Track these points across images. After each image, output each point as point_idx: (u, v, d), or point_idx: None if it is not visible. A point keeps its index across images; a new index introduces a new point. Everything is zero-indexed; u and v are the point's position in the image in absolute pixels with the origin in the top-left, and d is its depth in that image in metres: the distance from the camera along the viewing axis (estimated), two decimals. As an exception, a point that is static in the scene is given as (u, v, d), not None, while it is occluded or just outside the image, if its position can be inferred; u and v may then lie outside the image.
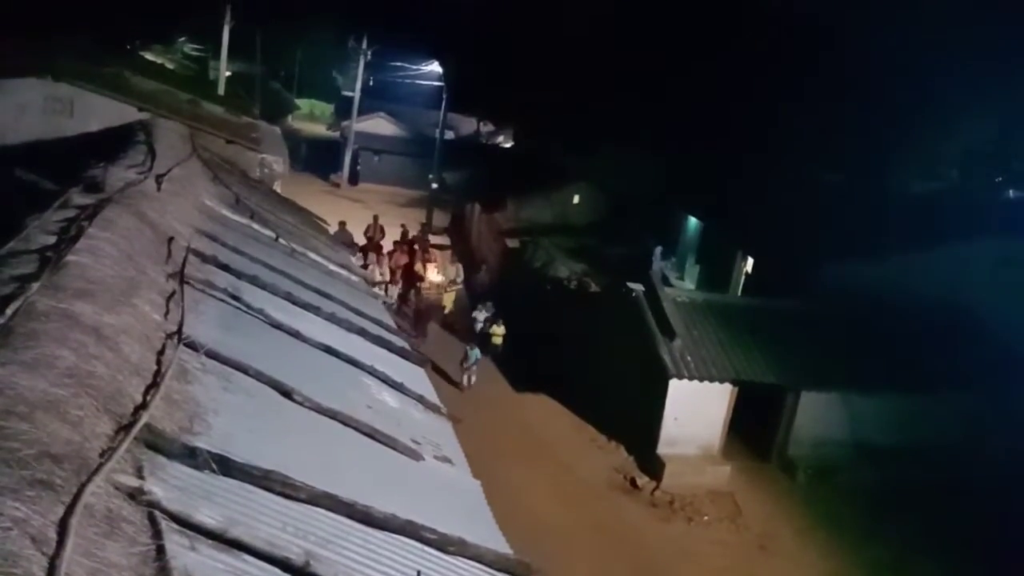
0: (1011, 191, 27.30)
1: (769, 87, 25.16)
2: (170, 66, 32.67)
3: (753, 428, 14.90)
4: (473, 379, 16.31)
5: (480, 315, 18.90)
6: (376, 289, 13.40)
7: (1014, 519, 12.91)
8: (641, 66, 29.06)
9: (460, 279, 21.65)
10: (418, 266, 21.41)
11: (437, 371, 12.01)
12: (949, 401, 14.71)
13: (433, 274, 21.98)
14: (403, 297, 20.10)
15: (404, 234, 23.03)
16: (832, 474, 14.26)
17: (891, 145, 23.78)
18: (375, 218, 23.51)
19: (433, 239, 26.74)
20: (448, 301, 21.07)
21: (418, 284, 20.66)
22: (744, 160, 25.46)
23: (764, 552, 12.38)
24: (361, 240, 21.59)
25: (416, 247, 22.47)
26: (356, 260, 15.06)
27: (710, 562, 11.93)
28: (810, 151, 24.55)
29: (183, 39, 42.04)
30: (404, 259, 21.08)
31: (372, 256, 20.02)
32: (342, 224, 20.00)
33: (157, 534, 2.82)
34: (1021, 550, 12.29)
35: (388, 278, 19.81)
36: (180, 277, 5.79)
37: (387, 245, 22.20)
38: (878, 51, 22.74)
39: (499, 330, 18.12)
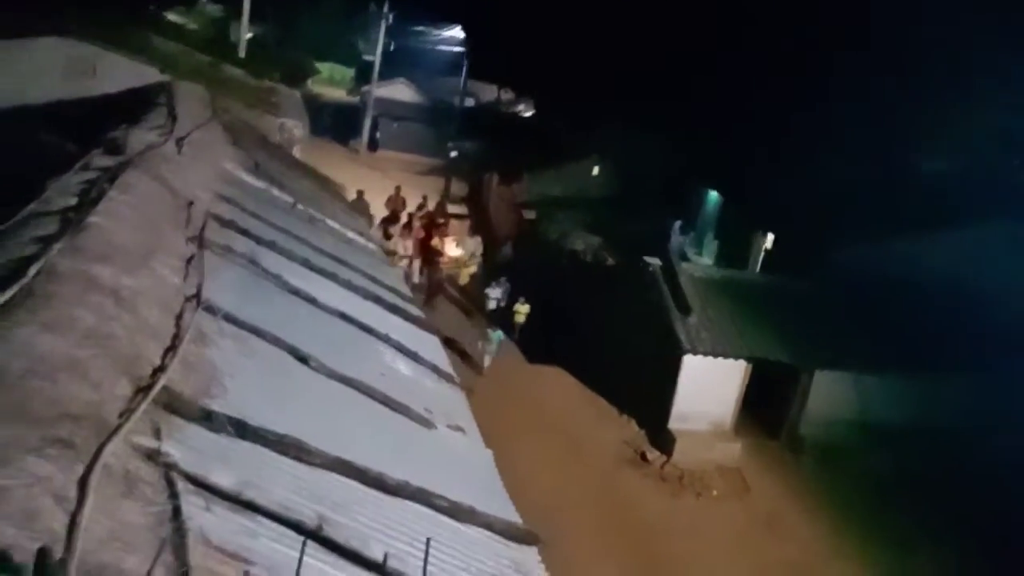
0: None
1: (795, 64, 24.70)
2: (192, 27, 32.51)
3: (765, 406, 14.89)
4: (488, 361, 15.57)
5: (493, 292, 18.17)
6: (401, 264, 13.30)
7: (1025, 505, 12.85)
8: (667, 43, 28.58)
9: (480, 252, 21.03)
10: (435, 240, 20.51)
11: (450, 346, 11.66)
12: (963, 384, 14.59)
13: (451, 248, 21.19)
14: (421, 270, 19.63)
15: (422, 206, 22.58)
16: (842, 455, 14.25)
17: (913, 127, 23.35)
18: (397, 189, 22.91)
19: (451, 208, 26.64)
20: (466, 276, 20.52)
21: (436, 258, 20.00)
22: (767, 136, 25.09)
23: (771, 530, 12.44)
24: (380, 210, 20.97)
25: (434, 219, 21.90)
26: (376, 232, 15.04)
27: (717, 538, 12.03)
28: (835, 130, 24.14)
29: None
30: (421, 233, 20.37)
31: (396, 229, 19.55)
32: (360, 193, 19.45)
33: (174, 495, 2.89)
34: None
35: (411, 252, 19.21)
36: (199, 241, 5.83)
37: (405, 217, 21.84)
38: (902, 32, 22.28)
39: (523, 308, 17.48)
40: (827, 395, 14.64)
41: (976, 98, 22.53)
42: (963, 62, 21.56)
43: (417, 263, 19.48)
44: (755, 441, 14.60)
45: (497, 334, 15.49)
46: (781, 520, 12.68)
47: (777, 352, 14.27)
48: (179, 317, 4.41)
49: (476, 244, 21.26)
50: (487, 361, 15.51)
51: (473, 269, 20.75)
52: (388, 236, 17.97)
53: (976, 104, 22.68)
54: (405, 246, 19.00)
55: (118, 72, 14.93)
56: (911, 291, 15.51)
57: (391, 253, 13.93)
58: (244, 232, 7.02)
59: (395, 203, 22.30)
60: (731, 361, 14.08)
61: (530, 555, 4.90)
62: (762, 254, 22.09)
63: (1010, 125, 22.94)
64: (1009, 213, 17.88)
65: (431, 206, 22.94)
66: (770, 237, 21.83)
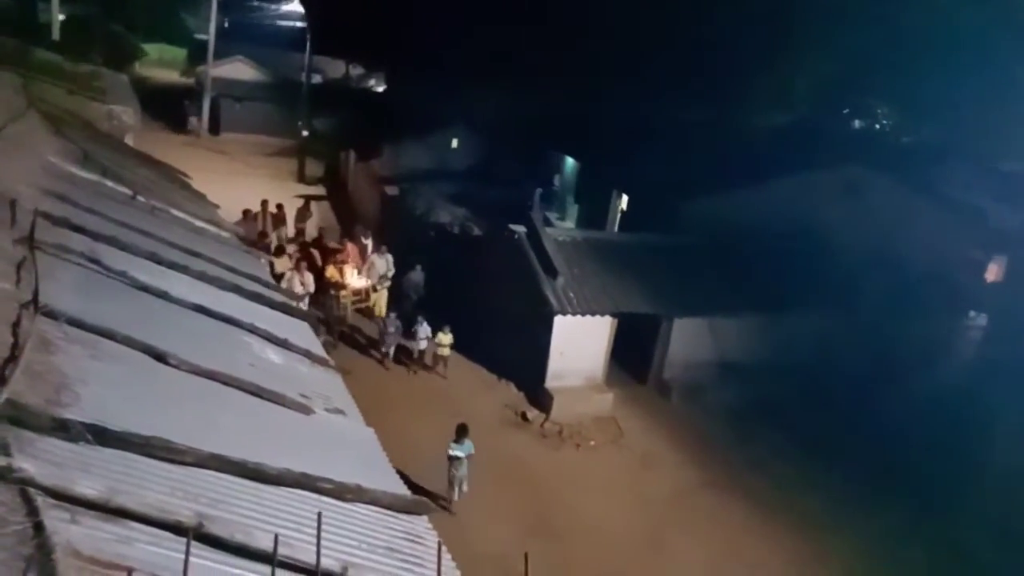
0: (856, 122, 29.65)
1: (631, 27, 25.71)
2: (-11, 8, 29.02)
3: (632, 355, 15.78)
4: (465, 487, 11.24)
5: (422, 330, 15.05)
6: (300, 304, 10.76)
7: (861, 425, 14.72)
8: (515, 12, 28.75)
9: (391, 272, 17.09)
10: (330, 270, 16.42)
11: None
12: (803, 322, 16.09)
13: (352, 277, 17.01)
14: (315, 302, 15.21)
15: (278, 217, 19.16)
16: (704, 393, 15.45)
17: (746, 81, 25.04)
18: (263, 204, 19.03)
19: (308, 191, 25.70)
20: (381, 304, 16.71)
21: (336, 292, 16.34)
22: (615, 99, 26.07)
23: (645, 467, 13.33)
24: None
25: (324, 242, 17.87)
26: (264, 262, 12.00)
27: (599, 482, 12.70)
28: (675, 89, 25.46)
29: (2, -23, 37.26)
30: (303, 263, 15.58)
31: (289, 260, 15.53)
32: (246, 213, 16.63)
33: (33, 511, 2.72)
34: (866, 450, 14.07)
35: (312, 289, 15.12)
36: (29, 242, 5.38)
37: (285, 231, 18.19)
38: None
39: (446, 339, 14.94)
40: (687, 340, 15.69)
41: (807, 52, 24.33)
42: (795, 16, 23.16)
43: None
44: (626, 389, 15.44)
45: (466, 446, 11.18)
46: (654, 459, 13.59)
47: (640, 305, 15.07)
48: (16, 325, 4.08)
49: (386, 263, 17.11)
50: (465, 488, 11.26)
51: (385, 295, 16.90)
52: (278, 275, 13.83)
53: (808, 57, 24.51)
54: (304, 280, 14.78)
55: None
56: (754, 238, 16.81)
57: (296, 298, 10.83)
58: (79, 229, 6.53)
59: (262, 221, 18.38)
60: (599, 317, 14.72)
61: (421, 524, 5.00)
62: (619, 215, 23.09)
63: (840, 75, 25.04)
64: (840, 160, 19.57)
65: (287, 208, 19.31)
66: (624, 198, 22.84)
